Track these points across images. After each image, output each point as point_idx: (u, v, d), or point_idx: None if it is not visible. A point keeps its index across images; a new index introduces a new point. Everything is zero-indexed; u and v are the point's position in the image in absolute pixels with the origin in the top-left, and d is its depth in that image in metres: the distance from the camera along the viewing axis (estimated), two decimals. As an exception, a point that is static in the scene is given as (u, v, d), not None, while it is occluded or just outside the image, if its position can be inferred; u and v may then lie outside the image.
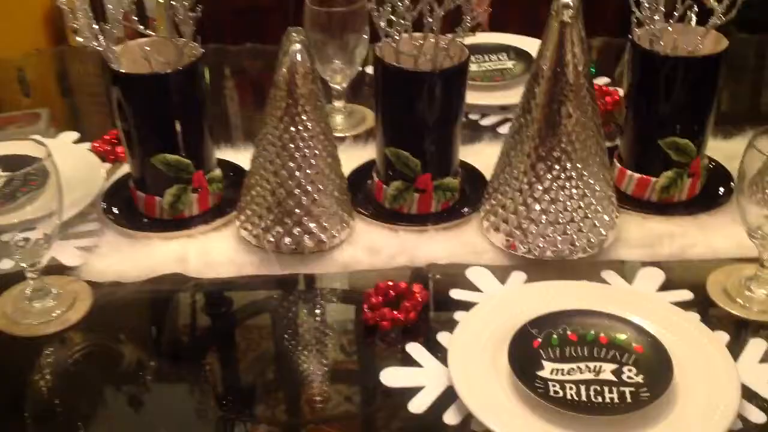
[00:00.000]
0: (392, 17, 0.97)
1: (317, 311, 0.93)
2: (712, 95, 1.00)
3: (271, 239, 0.96)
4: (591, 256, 0.96)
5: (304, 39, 0.90)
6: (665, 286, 0.93)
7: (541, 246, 0.95)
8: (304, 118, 0.91)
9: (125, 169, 1.09)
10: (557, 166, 0.93)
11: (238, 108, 1.38)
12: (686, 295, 0.92)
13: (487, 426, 0.74)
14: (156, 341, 0.92)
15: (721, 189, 1.06)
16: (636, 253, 0.98)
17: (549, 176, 0.93)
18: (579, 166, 0.93)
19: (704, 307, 0.91)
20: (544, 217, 0.94)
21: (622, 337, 0.83)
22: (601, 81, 1.34)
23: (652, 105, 1.00)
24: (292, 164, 0.93)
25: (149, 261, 0.96)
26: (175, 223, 1.01)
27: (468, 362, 0.81)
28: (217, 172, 1.04)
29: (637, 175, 1.04)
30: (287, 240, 0.95)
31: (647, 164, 1.03)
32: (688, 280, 0.94)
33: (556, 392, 0.77)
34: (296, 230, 0.95)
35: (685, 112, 1.00)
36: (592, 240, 0.96)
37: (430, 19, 0.96)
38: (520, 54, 1.37)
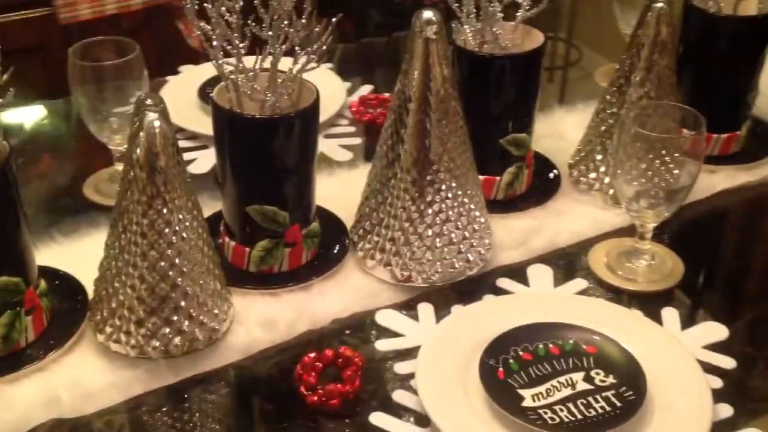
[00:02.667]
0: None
1: (244, 413, 0.80)
2: (537, 86, 1.02)
3: (157, 343, 0.80)
4: (481, 268, 0.94)
5: (162, 105, 0.76)
6: (559, 280, 0.94)
7: (440, 270, 0.91)
8: (170, 201, 0.77)
9: None
10: (443, 186, 0.89)
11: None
12: (582, 283, 0.94)
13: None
14: None
15: (551, 174, 1.10)
16: (516, 254, 0.98)
17: (438, 198, 0.89)
18: (457, 182, 0.90)
19: (601, 290, 0.94)
20: (438, 240, 0.90)
21: (570, 342, 0.82)
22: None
23: (486, 105, 1.00)
24: (170, 252, 0.78)
25: (15, 413, 0.76)
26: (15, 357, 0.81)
27: (455, 417, 0.75)
28: (43, 283, 0.85)
29: (481, 177, 1.03)
30: (177, 339, 0.81)
31: (489, 164, 1.02)
32: (573, 268, 0.96)
33: (552, 419, 0.74)
34: (185, 324, 0.81)
35: (517, 107, 1.01)
36: (481, 252, 0.94)
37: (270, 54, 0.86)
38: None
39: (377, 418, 0.77)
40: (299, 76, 0.88)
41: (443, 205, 0.89)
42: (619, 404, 0.76)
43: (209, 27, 0.83)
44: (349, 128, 1.23)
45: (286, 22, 0.85)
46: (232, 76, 0.86)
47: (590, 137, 1.07)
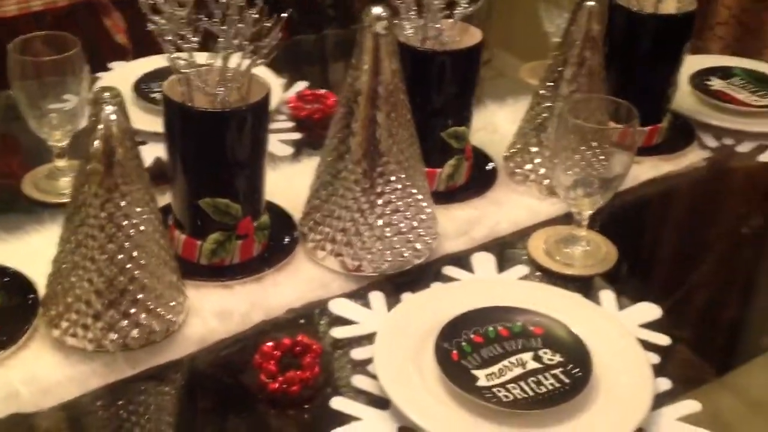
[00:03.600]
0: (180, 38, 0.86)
1: (207, 403, 0.81)
2: (475, 81, 1.06)
3: (115, 336, 0.81)
4: (428, 257, 0.97)
5: (119, 98, 0.76)
6: (501, 267, 0.98)
7: (390, 259, 0.94)
8: (128, 193, 0.78)
9: None
10: (392, 178, 0.92)
11: None
12: (523, 269, 0.98)
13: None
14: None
15: (488, 166, 1.14)
16: (459, 243, 1.01)
17: (387, 189, 0.92)
18: (406, 174, 0.93)
19: (541, 275, 0.98)
20: (387, 230, 0.93)
21: (518, 324, 0.86)
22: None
23: (428, 99, 1.03)
24: (128, 245, 0.79)
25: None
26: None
27: (413, 398, 0.78)
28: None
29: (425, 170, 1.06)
30: (135, 332, 0.81)
31: (431, 157, 1.05)
32: (514, 255, 1.01)
33: (506, 397, 0.78)
34: (143, 317, 0.81)
35: (457, 101, 1.05)
36: (428, 241, 0.97)
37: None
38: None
39: (338, 402, 0.79)
40: (250, 70, 0.89)
41: (393, 197, 0.92)
42: (567, 381, 0.80)
43: (163, 21, 0.83)
44: (288, 123, 1.24)
45: (237, 17, 0.86)
46: (185, 71, 0.87)
47: (525, 130, 1.12)
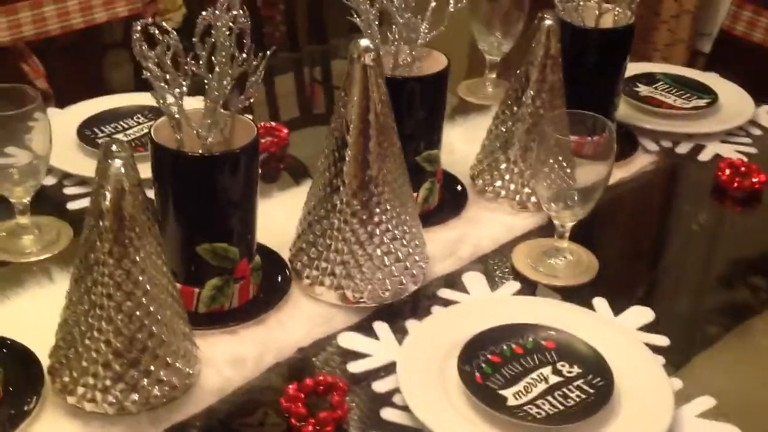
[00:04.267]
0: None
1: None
2: (444, 104, 1.07)
3: (136, 397, 0.77)
4: (422, 281, 0.98)
5: (128, 151, 0.73)
6: (493, 285, 1.00)
7: (390, 288, 0.94)
8: (141, 247, 0.75)
9: None
10: (388, 206, 0.92)
11: None
12: (515, 285, 1.00)
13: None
14: None
15: (458, 186, 1.15)
16: (448, 264, 1.02)
17: (384, 218, 0.92)
18: (398, 201, 0.93)
19: (532, 289, 1.00)
20: (386, 259, 0.93)
21: (531, 339, 0.88)
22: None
23: (402, 125, 1.03)
24: (145, 300, 0.76)
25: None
26: None
27: (449, 424, 0.78)
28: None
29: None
30: (156, 390, 0.78)
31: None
32: (502, 271, 1.02)
33: (539, 413, 0.79)
34: (162, 373, 0.78)
35: (429, 125, 1.06)
36: (422, 266, 0.98)
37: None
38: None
39: (375, 438, 0.79)
40: (234, 112, 0.88)
41: (389, 225, 0.92)
42: (592, 391, 0.82)
43: (154, 68, 0.81)
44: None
45: (224, 60, 0.85)
46: (177, 116, 0.84)
47: (491, 148, 1.14)
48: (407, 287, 0.96)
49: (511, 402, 0.81)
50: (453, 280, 1.00)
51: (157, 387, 0.78)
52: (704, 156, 1.30)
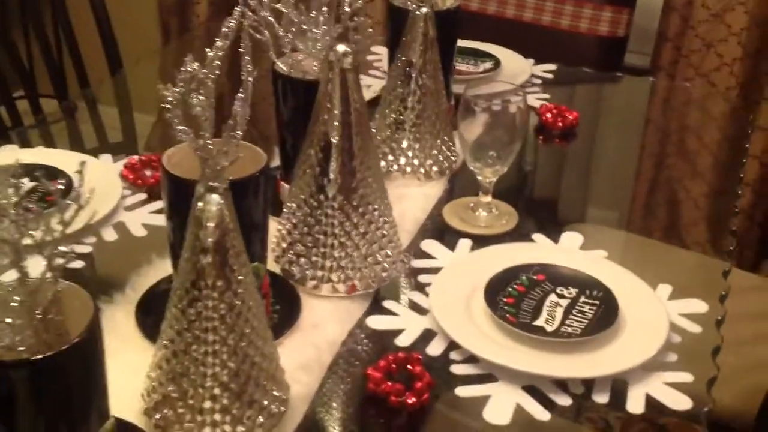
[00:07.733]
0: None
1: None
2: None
3: (243, 429, 0.79)
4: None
5: (225, 187, 0.75)
6: (450, 247, 1.12)
7: (385, 274, 1.02)
8: (244, 278, 0.77)
9: None
10: (372, 197, 1.00)
11: None
12: (467, 242, 1.13)
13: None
14: None
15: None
16: (403, 239, 1.12)
17: (370, 207, 1.00)
18: (378, 185, 1.02)
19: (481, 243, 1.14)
20: (378, 245, 1.01)
21: (524, 278, 1.02)
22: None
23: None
24: (248, 331, 0.78)
25: None
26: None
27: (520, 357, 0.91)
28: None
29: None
30: (260, 419, 0.80)
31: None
32: (448, 233, 1.15)
33: (575, 331, 0.94)
34: (265, 403, 0.81)
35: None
36: (399, 244, 1.07)
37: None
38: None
39: (463, 390, 0.89)
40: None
41: (372, 216, 1.01)
42: (597, 302, 0.98)
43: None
44: (141, 196, 1.21)
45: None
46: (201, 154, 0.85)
47: (387, 132, 1.25)
48: (398, 266, 1.05)
49: (549, 329, 0.95)
50: (418, 251, 1.11)
51: (260, 416, 0.80)
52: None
